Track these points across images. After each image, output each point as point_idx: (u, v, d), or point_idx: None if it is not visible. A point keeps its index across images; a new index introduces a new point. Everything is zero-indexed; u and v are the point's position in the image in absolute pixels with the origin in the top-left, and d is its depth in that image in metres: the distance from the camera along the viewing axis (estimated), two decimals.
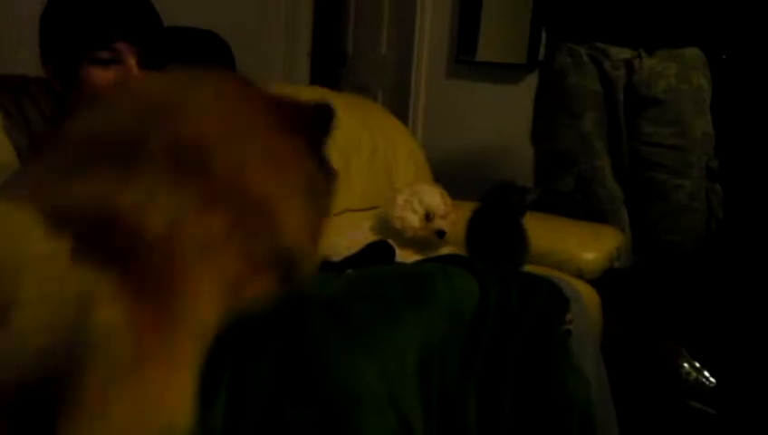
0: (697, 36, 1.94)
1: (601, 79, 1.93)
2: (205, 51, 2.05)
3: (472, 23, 2.91)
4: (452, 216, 1.51)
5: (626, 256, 1.91)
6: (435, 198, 1.51)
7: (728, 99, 2.12)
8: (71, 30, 1.13)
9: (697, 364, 2.06)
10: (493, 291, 1.00)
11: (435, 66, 3.11)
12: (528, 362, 0.98)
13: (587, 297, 1.52)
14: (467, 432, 0.92)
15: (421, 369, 0.88)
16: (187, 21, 1.95)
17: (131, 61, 1.14)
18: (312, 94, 1.67)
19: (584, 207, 1.95)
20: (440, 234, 1.47)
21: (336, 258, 1.36)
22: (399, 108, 3.04)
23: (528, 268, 1.36)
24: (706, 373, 2.05)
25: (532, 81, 2.31)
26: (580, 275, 1.68)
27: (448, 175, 1.94)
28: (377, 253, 1.41)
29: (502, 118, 2.77)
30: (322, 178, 0.87)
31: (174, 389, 0.61)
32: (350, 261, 1.35)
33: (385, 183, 1.99)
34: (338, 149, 1.75)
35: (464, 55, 2.96)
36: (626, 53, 1.91)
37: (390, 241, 1.46)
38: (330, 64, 3.70)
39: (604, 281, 1.74)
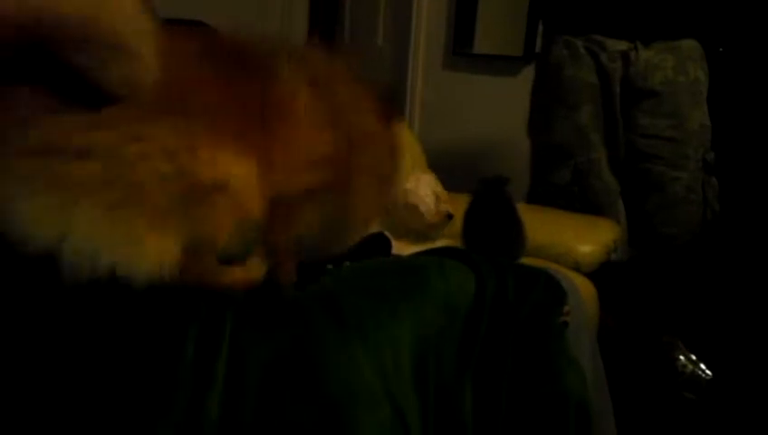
0: (694, 28, 1.93)
1: (598, 71, 1.92)
2: None
3: (469, 15, 2.89)
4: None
5: (622, 248, 1.91)
6: (437, 182, 1.56)
7: (725, 91, 2.12)
8: None
9: (694, 357, 2.07)
10: (489, 283, 1.00)
11: (431, 58, 3.09)
12: (524, 355, 0.98)
13: (583, 290, 1.52)
14: (464, 425, 0.92)
15: (417, 362, 0.88)
16: (183, 16, 1.94)
17: None
18: None
19: (581, 200, 1.95)
20: (450, 216, 1.49)
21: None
22: (396, 100, 3.03)
23: (524, 261, 1.36)
24: (703, 366, 2.06)
25: (528, 73, 2.30)
26: (576, 267, 1.68)
27: (445, 167, 1.94)
28: (373, 245, 1.40)
29: (498, 110, 2.76)
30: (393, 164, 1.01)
31: None
32: (347, 253, 1.34)
33: None
34: None
35: (460, 47, 2.94)
36: (622, 45, 1.90)
37: (387, 233, 1.46)
38: None
39: (600, 273, 1.75)
